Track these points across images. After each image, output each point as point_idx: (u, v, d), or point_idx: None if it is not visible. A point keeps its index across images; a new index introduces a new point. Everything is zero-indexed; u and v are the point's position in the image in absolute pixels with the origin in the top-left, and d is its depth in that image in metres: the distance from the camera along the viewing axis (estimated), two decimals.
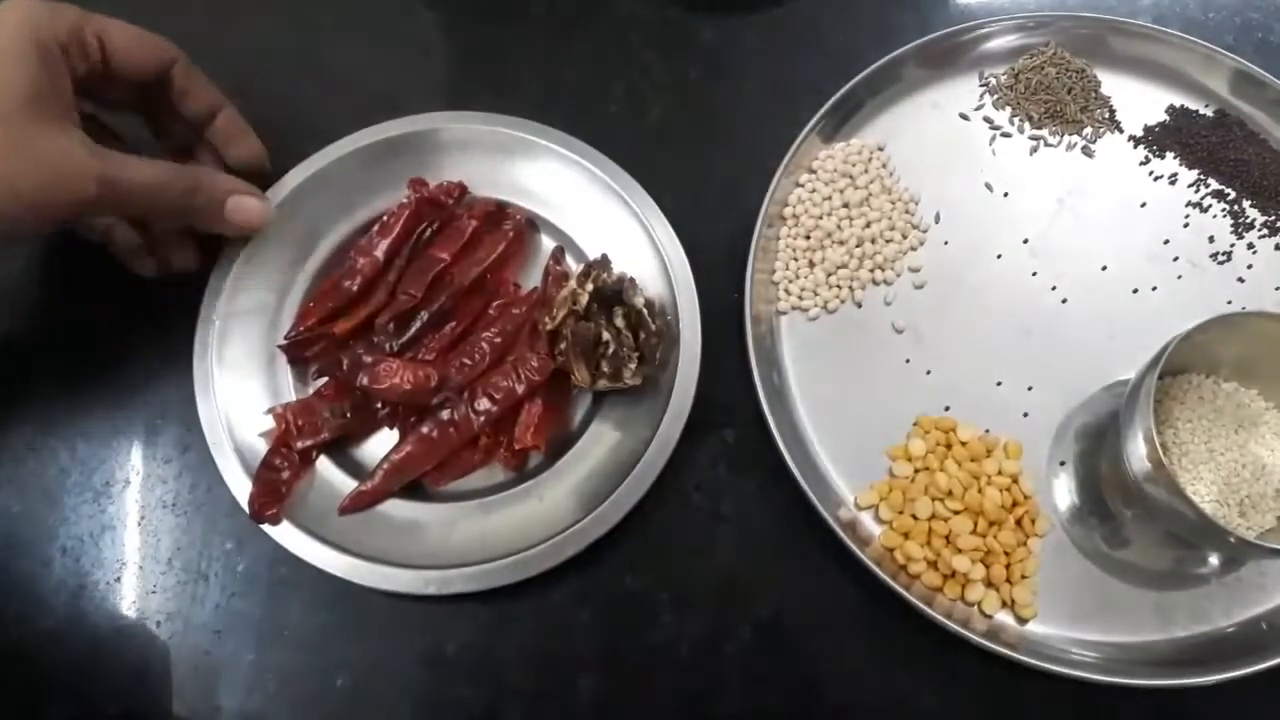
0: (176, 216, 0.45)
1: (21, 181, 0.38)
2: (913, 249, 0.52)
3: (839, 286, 0.51)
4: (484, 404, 0.46)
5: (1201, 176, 0.54)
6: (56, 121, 0.39)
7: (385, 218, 0.50)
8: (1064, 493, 0.48)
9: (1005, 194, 0.54)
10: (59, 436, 0.48)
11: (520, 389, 0.46)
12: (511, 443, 0.46)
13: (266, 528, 0.43)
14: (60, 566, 0.45)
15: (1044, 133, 0.56)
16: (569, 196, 0.51)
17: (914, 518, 0.46)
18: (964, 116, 0.56)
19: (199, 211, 0.45)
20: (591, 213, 0.51)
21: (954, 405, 0.49)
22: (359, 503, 0.45)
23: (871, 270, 0.52)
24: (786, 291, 0.51)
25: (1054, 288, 0.52)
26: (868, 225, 0.52)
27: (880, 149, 0.54)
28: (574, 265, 0.50)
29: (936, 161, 0.54)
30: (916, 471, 0.47)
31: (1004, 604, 0.45)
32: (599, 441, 0.47)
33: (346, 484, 0.45)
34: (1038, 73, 0.56)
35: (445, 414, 0.46)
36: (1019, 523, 0.46)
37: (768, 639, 0.45)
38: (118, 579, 0.45)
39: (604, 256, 0.48)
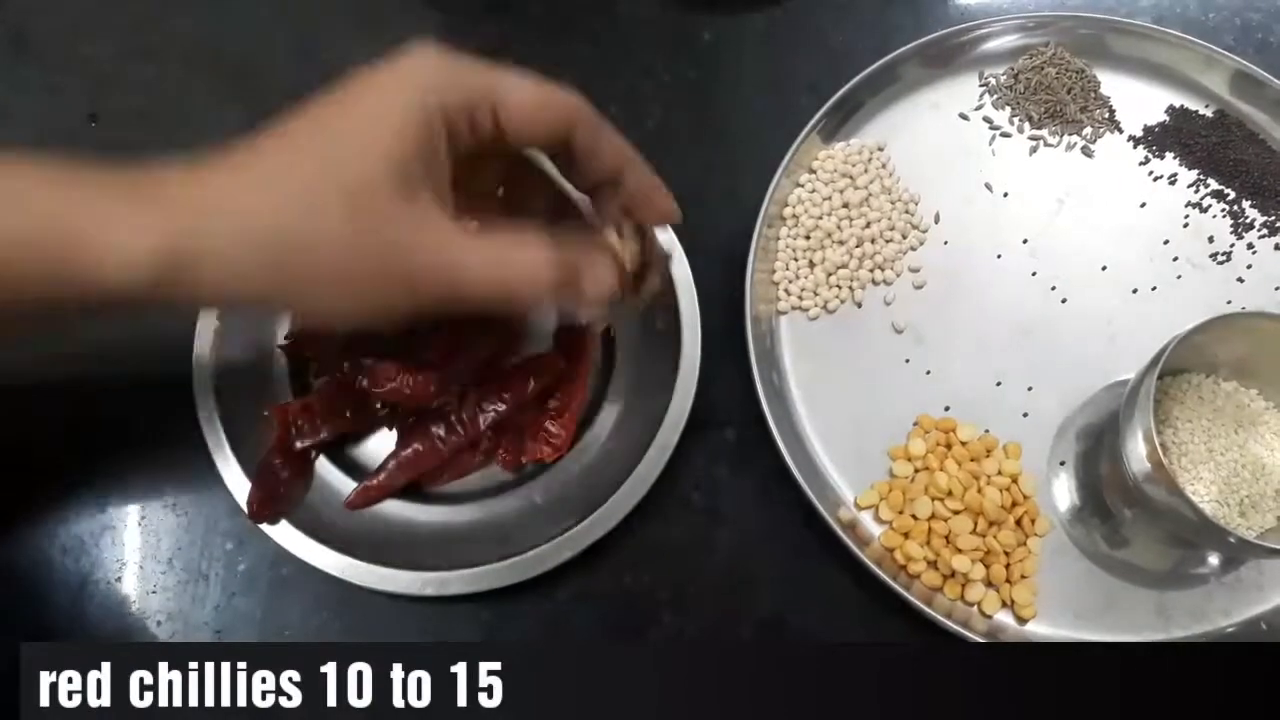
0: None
1: (358, 271, 0.31)
2: (913, 249, 0.52)
3: (839, 286, 0.51)
4: (490, 405, 0.46)
5: (1201, 176, 0.54)
6: (420, 209, 0.31)
7: None
8: (1064, 493, 0.48)
9: (1005, 194, 0.54)
10: None
11: (526, 391, 0.46)
12: (510, 444, 0.46)
13: (266, 528, 0.43)
14: (60, 566, 0.45)
15: (1044, 133, 0.56)
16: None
17: (914, 518, 0.46)
18: (964, 116, 0.56)
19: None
20: None
21: (954, 405, 0.49)
22: (366, 497, 0.45)
23: (871, 270, 0.52)
24: (786, 291, 0.51)
25: (1054, 288, 0.52)
26: (868, 225, 0.52)
27: (880, 149, 0.54)
28: None
29: (936, 161, 0.54)
30: (916, 471, 0.47)
31: (1004, 604, 0.45)
32: (599, 442, 0.47)
33: (346, 484, 0.45)
34: (1037, 73, 0.56)
35: (452, 414, 0.46)
36: (1019, 523, 0.46)
37: (768, 639, 0.44)
38: (118, 579, 0.45)
39: None
